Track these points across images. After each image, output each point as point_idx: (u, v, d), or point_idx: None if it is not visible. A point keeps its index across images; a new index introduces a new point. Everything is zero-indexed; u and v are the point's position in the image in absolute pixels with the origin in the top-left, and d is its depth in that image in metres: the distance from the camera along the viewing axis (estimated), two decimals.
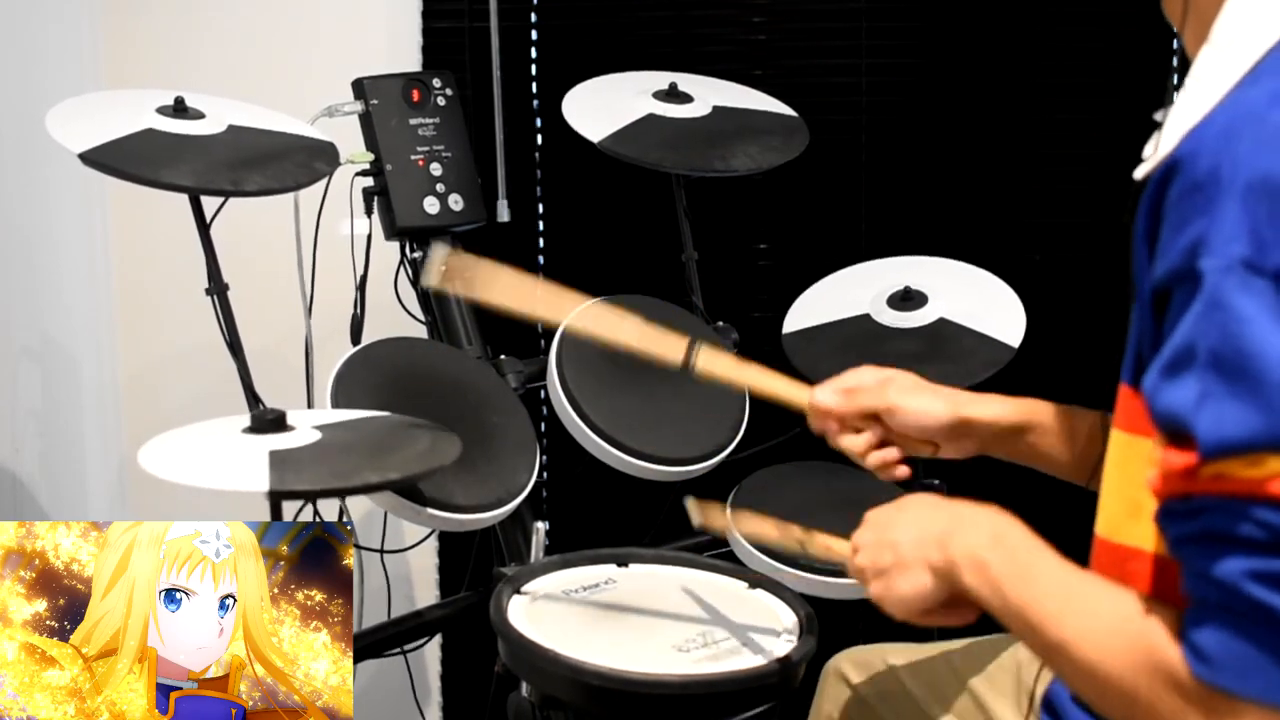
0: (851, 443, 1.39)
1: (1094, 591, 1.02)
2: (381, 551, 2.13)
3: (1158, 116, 1.02)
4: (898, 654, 1.55)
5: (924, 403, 1.37)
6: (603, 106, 2.05)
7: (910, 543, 1.15)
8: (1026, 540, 1.08)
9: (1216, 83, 0.97)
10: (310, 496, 1.77)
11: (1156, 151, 0.98)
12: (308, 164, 1.81)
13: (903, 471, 1.39)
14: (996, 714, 1.45)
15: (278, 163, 1.78)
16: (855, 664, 1.56)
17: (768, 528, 1.44)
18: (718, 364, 1.47)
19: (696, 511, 1.43)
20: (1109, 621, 0.99)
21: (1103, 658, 0.98)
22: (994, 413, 1.37)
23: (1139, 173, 0.99)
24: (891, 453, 1.39)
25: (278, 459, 1.40)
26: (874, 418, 1.39)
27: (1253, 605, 0.88)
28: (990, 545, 1.09)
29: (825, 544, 1.35)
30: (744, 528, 1.52)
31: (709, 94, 2.11)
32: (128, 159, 1.71)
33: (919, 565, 1.14)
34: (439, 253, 1.40)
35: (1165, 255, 0.94)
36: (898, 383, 1.39)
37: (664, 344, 1.48)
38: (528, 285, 1.51)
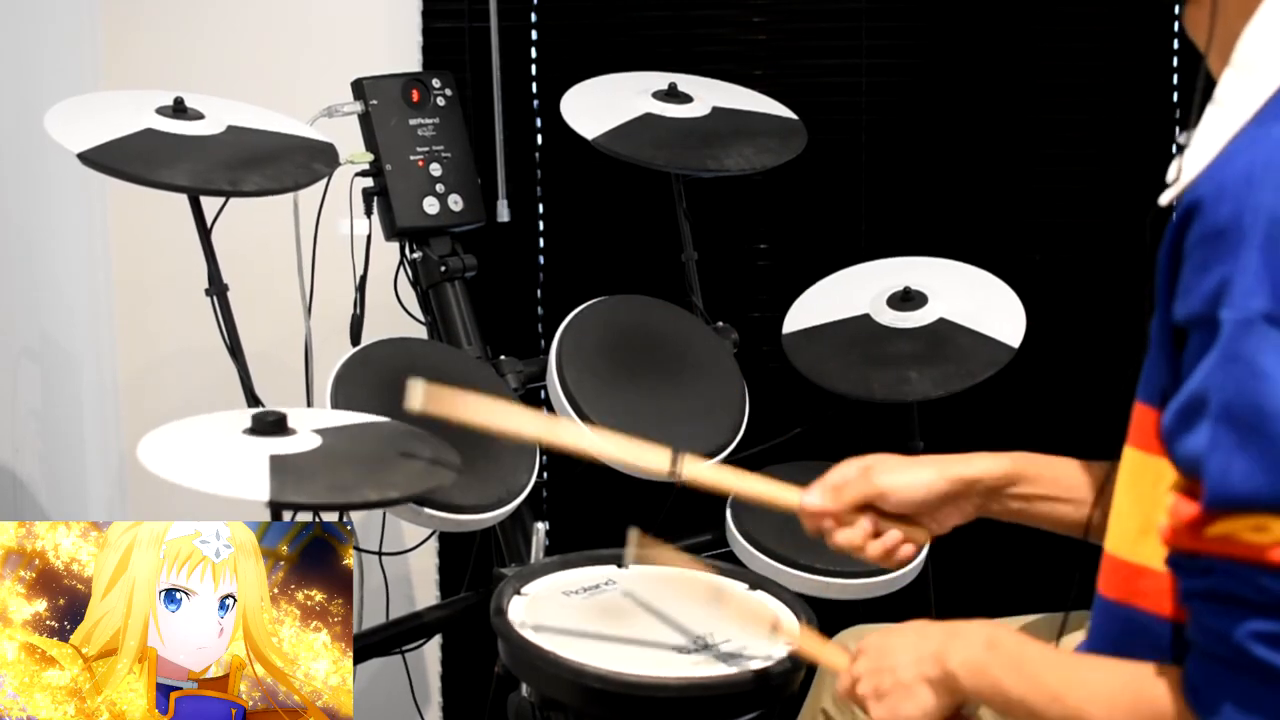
0: (849, 538, 1.36)
1: (1089, 663, 1.06)
2: (380, 554, 2.12)
3: (1181, 140, 1.02)
4: None
5: (911, 476, 1.34)
6: (601, 105, 2.05)
7: (907, 665, 1.17)
8: (1018, 638, 1.13)
9: (1237, 111, 0.97)
10: (310, 510, 1.77)
11: (1179, 178, 0.98)
12: (307, 164, 1.81)
13: (907, 553, 1.36)
14: None
15: (276, 163, 1.78)
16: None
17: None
18: (703, 473, 1.45)
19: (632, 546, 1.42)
20: (1111, 685, 1.02)
21: (1111, 715, 1.01)
22: (984, 468, 1.35)
23: (1164, 199, 1.00)
24: (892, 536, 1.35)
25: (278, 465, 1.40)
26: (868, 508, 1.35)
27: (1254, 664, 0.91)
28: (985, 649, 1.12)
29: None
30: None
31: (709, 94, 2.11)
32: (126, 159, 1.71)
33: (919, 683, 1.16)
34: (417, 387, 1.41)
35: (1186, 296, 0.94)
36: (881, 465, 1.36)
37: (647, 457, 1.45)
38: (505, 408, 1.50)
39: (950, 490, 1.34)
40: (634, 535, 1.42)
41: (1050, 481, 1.34)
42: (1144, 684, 1.00)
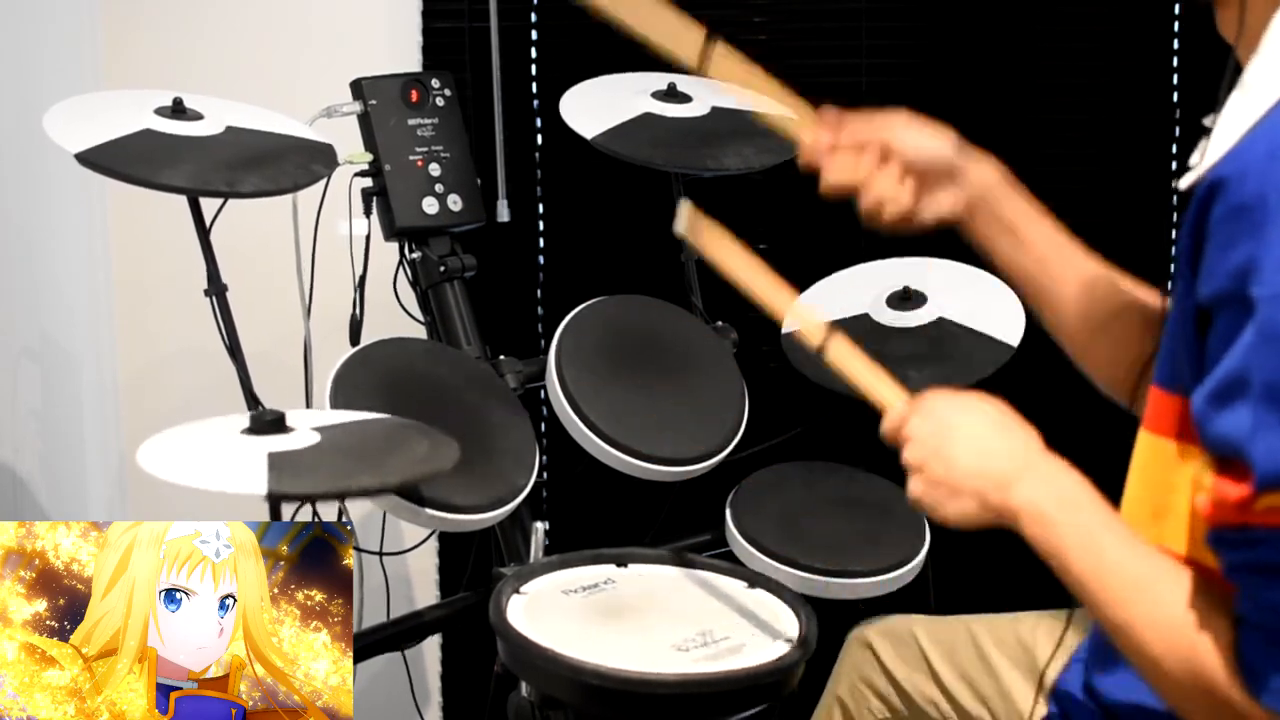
0: (852, 167, 1.31)
1: (1160, 586, 1.01)
2: (381, 554, 2.12)
3: (1207, 122, 1.03)
4: (922, 624, 1.56)
5: (928, 134, 1.32)
6: (600, 104, 2.05)
7: (969, 468, 1.11)
8: (1096, 508, 1.06)
9: (1263, 96, 0.97)
10: (308, 499, 1.77)
11: (1202, 162, 0.98)
12: (305, 165, 1.80)
13: (906, 203, 1.31)
14: (1008, 685, 1.46)
15: (275, 164, 1.78)
16: (880, 633, 1.57)
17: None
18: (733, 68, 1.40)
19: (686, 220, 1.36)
20: (1171, 623, 0.99)
21: (1161, 657, 0.99)
22: (987, 168, 1.34)
23: (1184, 183, 0.99)
24: (894, 181, 1.31)
25: (276, 461, 1.40)
26: (871, 149, 1.32)
27: None
28: (1057, 504, 1.06)
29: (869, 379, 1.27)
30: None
31: (709, 94, 2.11)
32: (124, 160, 1.71)
33: (972, 496, 1.10)
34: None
35: (1211, 275, 0.94)
36: (898, 116, 1.34)
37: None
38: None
39: (954, 159, 1.32)
40: (686, 207, 1.35)
41: (1029, 221, 1.34)
42: (1203, 641, 0.97)
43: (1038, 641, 1.46)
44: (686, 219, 1.32)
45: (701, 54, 1.38)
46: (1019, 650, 1.47)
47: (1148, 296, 1.31)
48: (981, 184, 1.33)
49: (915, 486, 1.14)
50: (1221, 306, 0.93)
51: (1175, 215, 2.41)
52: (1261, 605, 0.93)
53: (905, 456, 1.16)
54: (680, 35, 1.39)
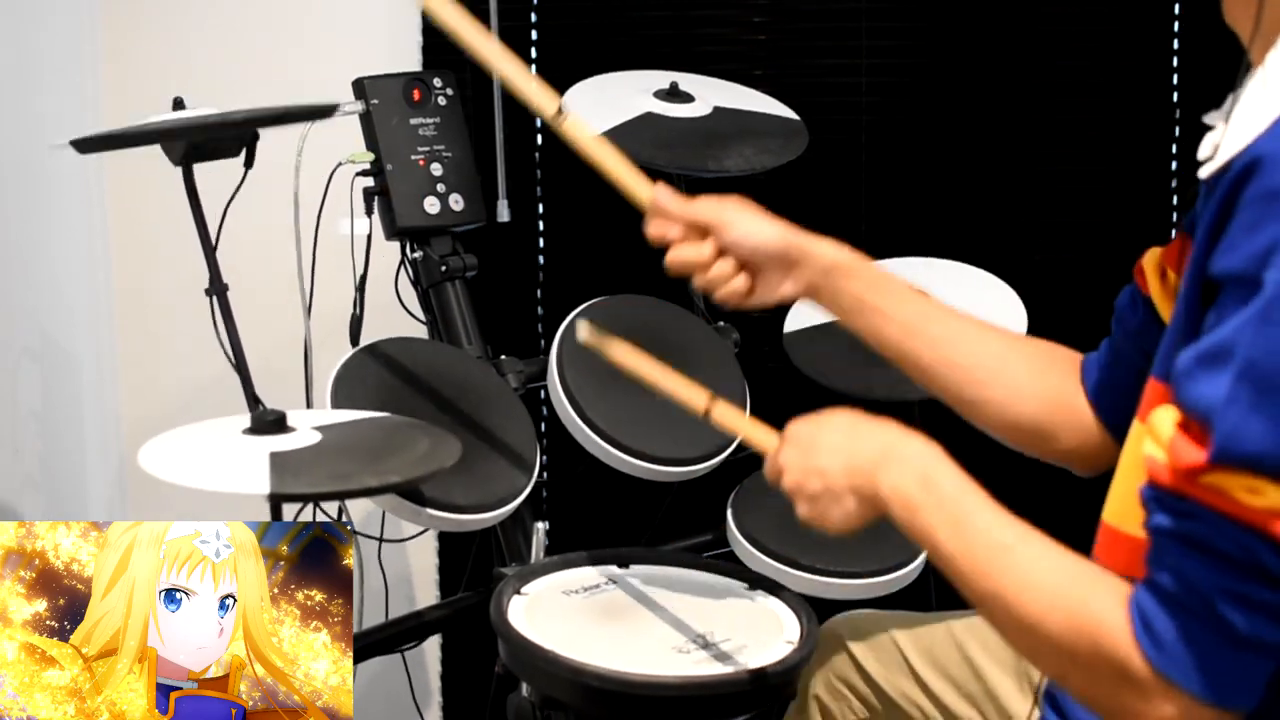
0: (693, 252, 1.37)
1: (1031, 549, 1.03)
2: (380, 540, 2.12)
3: (1207, 119, 1.02)
4: (897, 621, 1.56)
5: (758, 222, 1.37)
6: (602, 104, 2.05)
7: (837, 471, 1.16)
8: (957, 482, 1.09)
9: None
10: (310, 499, 1.77)
11: (1221, 146, 0.97)
12: (306, 112, 1.79)
13: (734, 289, 1.36)
14: (994, 686, 1.46)
15: (273, 115, 1.76)
16: (853, 629, 1.57)
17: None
18: (580, 132, 1.46)
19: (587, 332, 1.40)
20: (1049, 581, 1.00)
21: (1041, 617, 1.00)
22: (826, 248, 1.37)
23: (1204, 173, 0.99)
24: (721, 267, 1.36)
25: (278, 461, 1.40)
26: (707, 234, 1.38)
27: (1217, 619, 0.91)
28: (920, 486, 1.10)
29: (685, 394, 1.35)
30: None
31: (710, 94, 2.11)
32: (121, 137, 1.70)
33: (847, 494, 1.15)
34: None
35: (1231, 251, 0.94)
36: (737, 205, 1.39)
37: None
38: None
39: (784, 249, 1.36)
40: (584, 325, 1.40)
41: (882, 291, 1.35)
42: (1090, 594, 0.98)
43: None
44: (588, 333, 1.38)
45: (554, 118, 1.46)
46: (1003, 650, 1.47)
47: (1043, 344, 1.38)
48: (819, 267, 1.37)
49: (800, 508, 1.20)
50: (1232, 284, 0.93)
51: (1175, 220, 2.41)
52: (1181, 577, 0.93)
53: (783, 484, 1.22)
54: (538, 97, 1.47)
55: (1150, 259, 1.28)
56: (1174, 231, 2.38)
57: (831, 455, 1.17)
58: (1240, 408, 0.90)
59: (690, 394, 1.37)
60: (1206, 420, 0.91)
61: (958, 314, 1.37)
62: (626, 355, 1.40)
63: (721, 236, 1.37)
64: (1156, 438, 0.96)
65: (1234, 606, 0.91)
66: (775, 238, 1.37)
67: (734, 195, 1.41)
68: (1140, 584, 0.96)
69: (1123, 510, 1.07)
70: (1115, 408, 1.29)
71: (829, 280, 1.36)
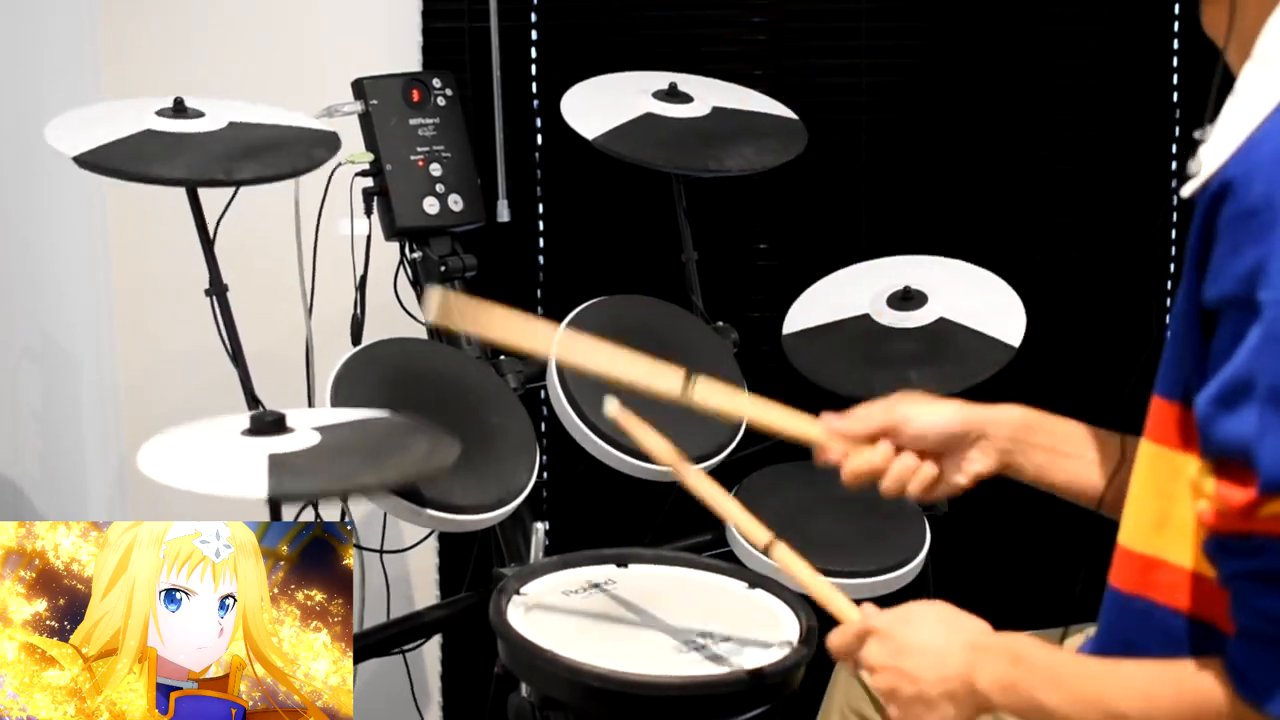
0: (867, 459, 1.34)
1: (1126, 664, 1.05)
2: (381, 552, 2.12)
3: (1197, 135, 1.02)
4: None
5: (932, 409, 1.35)
6: (601, 104, 2.05)
7: (931, 679, 1.16)
8: (1043, 649, 1.12)
9: (1263, 99, 0.97)
10: (310, 500, 1.76)
11: (1203, 168, 0.98)
12: (306, 152, 1.79)
13: (926, 477, 1.33)
14: (1003, 714, 1.45)
15: (275, 152, 1.77)
16: None
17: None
18: (715, 395, 1.43)
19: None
20: (1150, 679, 1.02)
21: (1149, 712, 1.02)
22: (1002, 413, 1.34)
23: (1186, 190, 0.99)
24: (906, 462, 1.33)
25: (277, 462, 1.40)
26: (883, 437, 1.35)
27: None
28: (1012, 664, 1.12)
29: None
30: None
31: (709, 94, 2.11)
32: (122, 158, 1.70)
33: (946, 701, 1.15)
34: (435, 294, 1.39)
35: (1218, 278, 0.94)
36: (905, 398, 1.36)
37: (659, 376, 1.43)
38: (518, 319, 1.46)
39: (966, 427, 1.33)
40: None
41: (1065, 437, 1.33)
42: (1184, 676, 0.99)
43: None
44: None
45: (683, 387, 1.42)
46: None
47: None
48: (1006, 435, 1.34)
49: (894, 712, 1.19)
50: (1228, 310, 0.93)
51: (1175, 220, 2.41)
52: (1259, 613, 0.93)
53: (874, 685, 1.21)
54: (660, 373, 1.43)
55: None
56: (1174, 215, 2.38)
57: (923, 660, 1.17)
58: (1275, 435, 0.89)
59: (755, 530, 1.37)
60: (1246, 456, 0.91)
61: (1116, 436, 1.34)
62: (699, 480, 1.40)
63: (901, 436, 1.34)
64: (1200, 493, 0.96)
65: None
66: (955, 421, 1.33)
67: (898, 394, 1.38)
68: (1231, 639, 0.97)
69: (1136, 532, 1.07)
70: None
71: (1019, 444, 1.34)
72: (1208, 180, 0.96)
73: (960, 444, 1.34)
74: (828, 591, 1.29)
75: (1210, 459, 0.95)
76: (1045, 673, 1.10)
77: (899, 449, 1.34)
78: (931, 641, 1.17)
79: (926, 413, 1.34)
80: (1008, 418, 1.34)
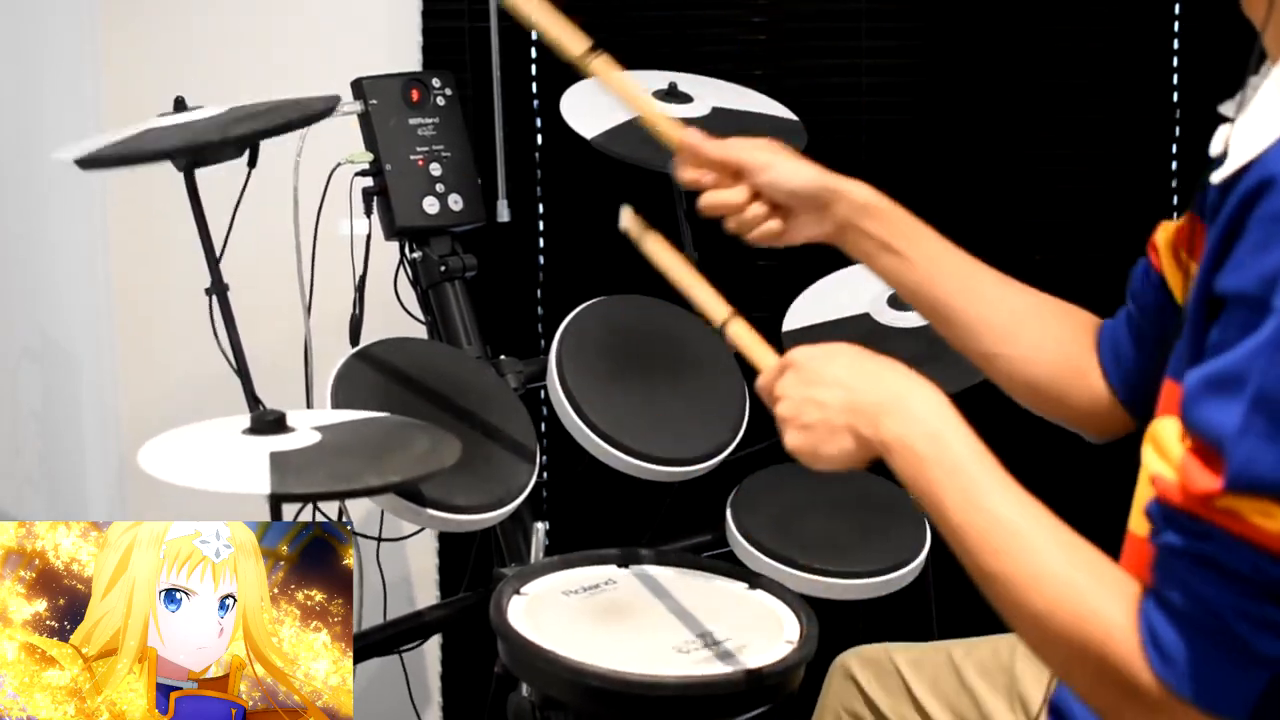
0: (727, 196, 1.37)
1: (1043, 535, 1.00)
2: (379, 540, 2.12)
3: (1222, 109, 1.01)
4: (902, 652, 1.55)
5: (795, 165, 1.38)
6: (601, 104, 2.05)
7: (838, 407, 1.12)
8: (969, 446, 1.05)
9: None
10: (310, 499, 1.77)
11: (1232, 148, 0.96)
12: (301, 106, 1.77)
13: (768, 230, 1.37)
14: (990, 711, 1.45)
15: (272, 113, 1.75)
16: (862, 662, 1.57)
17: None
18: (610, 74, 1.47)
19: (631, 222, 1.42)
20: (1060, 576, 0.98)
21: (1050, 611, 0.98)
22: (855, 188, 1.37)
23: (1217, 177, 0.98)
24: (763, 210, 1.37)
25: (278, 461, 1.40)
26: (738, 176, 1.38)
27: (1229, 636, 0.91)
28: (929, 442, 1.06)
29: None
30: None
31: (709, 94, 2.11)
32: (120, 149, 1.70)
33: (846, 431, 1.12)
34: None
35: (1238, 270, 0.93)
36: (774, 148, 1.39)
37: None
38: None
39: (817, 191, 1.36)
40: (627, 212, 1.43)
41: (900, 233, 1.36)
42: (1100, 597, 0.97)
43: (1015, 663, 1.46)
44: (630, 221, 1.39)
45: (583, 56, 1.48)
46: (998, 673, 1.47)
47: (1063, 305, 1.37)
48: (850, 208, 1.37)
49: (792, 438, 1.16)
50: (1238, 303, 0.92)
51: (1175, 214, 2.41)
52: (1191, 593, 0.93)
53: (778, 411, 1.18)
54: (569, 39, 1.48)
55: (1163, 235, 1.27)
56: (1174, 215, 2.38)
57: (834, 389, 1.13)
58: (1254, 438, 0.89)
59: (714, 304, 1.37)
60: (1219, 446, 0.91)
61: (981, 266, 1.36)
62: (660, 250, 1.41)
63: (755, 179, 1.37)
64: (1164, 454, 0.96)
65: (1245, 624, 0.91)
66: (810, 179, 1.36)
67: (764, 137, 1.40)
68: (1147, 597, 0.96)
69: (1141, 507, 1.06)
70: (1128, 383, 1.29)
71: (858, 221, 1.36)
72: (1242, 169, 0.94)
73: (808, 206, 1.37)
74: (767, 358, 1.28)
75: (1190, 433, 0.94)
76: (960, 476, 1.03)
77: (756, 195, 1.37)
78: (848, 374, 1.14)
79: (787, 166, 1.37)
80: (854, 195, 1.37)
